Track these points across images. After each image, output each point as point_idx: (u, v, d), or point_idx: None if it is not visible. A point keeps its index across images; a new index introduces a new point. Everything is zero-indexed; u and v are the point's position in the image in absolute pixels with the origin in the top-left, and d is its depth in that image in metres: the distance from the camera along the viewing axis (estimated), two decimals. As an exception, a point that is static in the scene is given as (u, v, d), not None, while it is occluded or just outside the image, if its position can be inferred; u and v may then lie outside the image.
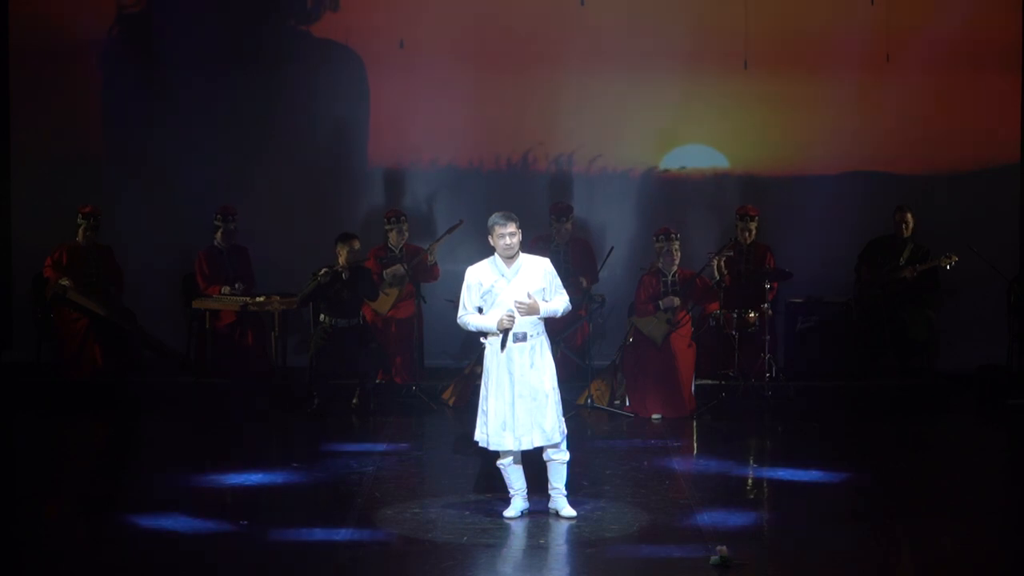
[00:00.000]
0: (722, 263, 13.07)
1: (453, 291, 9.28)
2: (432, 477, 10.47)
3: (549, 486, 8.98)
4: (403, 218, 13.50)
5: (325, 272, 12.34)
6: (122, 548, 8.43)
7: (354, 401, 12.50)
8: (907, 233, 13.66)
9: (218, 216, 13.65)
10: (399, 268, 13.20)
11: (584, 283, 13.10)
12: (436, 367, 13.65)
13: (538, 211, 13.68)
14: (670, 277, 12.62)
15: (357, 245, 12.57)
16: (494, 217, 8.88)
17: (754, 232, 13.63)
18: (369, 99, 14.47)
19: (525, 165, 14.46)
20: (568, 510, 8.93)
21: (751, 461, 11.00)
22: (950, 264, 13.26)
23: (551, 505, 8.98)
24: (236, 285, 13.36)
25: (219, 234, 13.62)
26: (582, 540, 8.52)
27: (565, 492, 8.97)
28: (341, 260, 12.43)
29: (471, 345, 11.95)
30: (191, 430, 12.17)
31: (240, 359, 13.41)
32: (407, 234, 13.46)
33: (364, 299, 12.73)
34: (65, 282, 13.40)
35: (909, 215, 13.65)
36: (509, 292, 8.81)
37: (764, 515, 9.31)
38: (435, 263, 13.24)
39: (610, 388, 12.67)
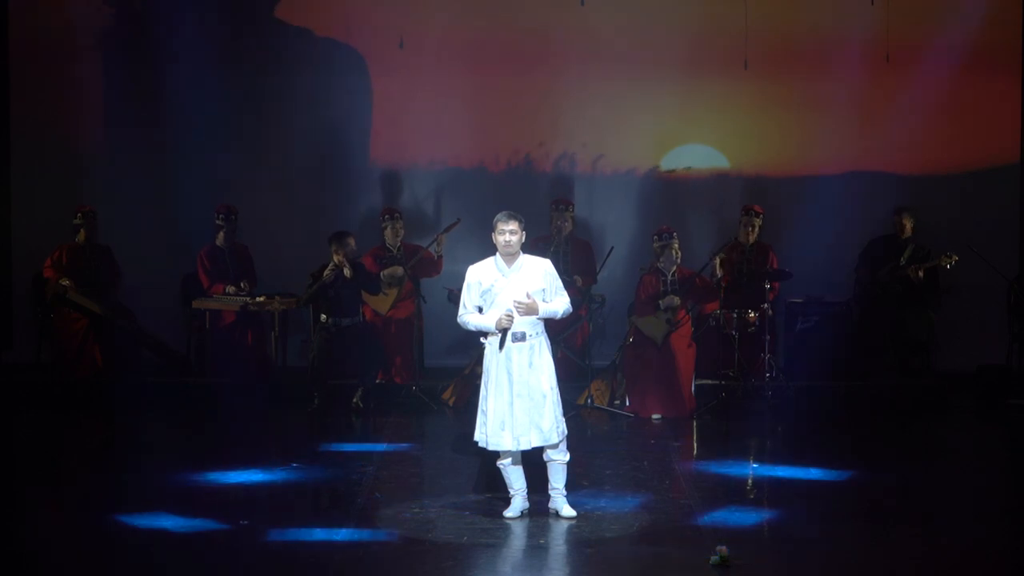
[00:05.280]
0: (718, 264, 13.09)
1: (453, 288, 9.30)
2: (432, 477, 10.47)
3: (549, 486, 8.98)
4: (397, 215, 13.52)
5: (330, 271, 12.34)
6: (122, 548, 8.42)
7: (355, 400, 12.52)
8: (905, 235, 13.65)
9: (219, 216, 13.65)
10: (397, 269, 13.20)
11: (579, 282, 13.05)
12: (436, 367, 13.65)
13: (538, 211, 13.69)
14: (670, 276, 12.63)
15: (352, 242, 12.60)
16: (499, 215, 8.89)
17: (757, 230, 13.63)
18: (369, 99, 14.47)
19: (525, 165, 14.46)
20: (568, 510, 8.93)
21: (751, 461, 11.00)
22: (950, 263, 13.26)
23: (551, 505, 8.98)
24: (242, 284, 13.36)
25: (221, 234, 13.62)
26: (582, 540, 8.52)
27: (565, 492, 8.97)
28: (337, 259, 12.44)
29: (471, 345, 11.95)
30: (191, 430, 12.17)
31: (240, 359, 13.41)
32: (402, 232, 13.47)
33: (366, 293, 12.76)
34: (65, 282, 13.40)
35: (906, 217, 13.63)
36: (508, 292, 8.82)
37: (764, 515, 9.30)
38: (440, 256, 13.27)
39: (610, 388, 12.67)
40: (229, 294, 13.32)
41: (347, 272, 12.39)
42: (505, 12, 14.38)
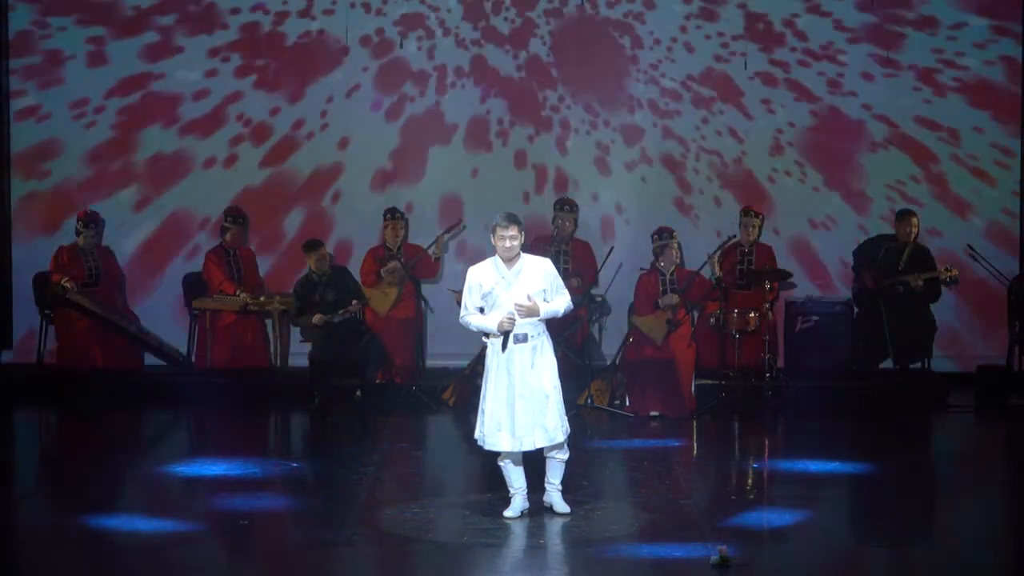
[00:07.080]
0: (716, 263, 13.09)
1: (458, 291, 9.29)
2: (432, 477, 10.48)
3: (545, 480, 8.97)
4: (399, 215, 13.54)
5: (335, 316, 12.49)
6: (121, 547, 8.43)
7: (358, 393, 12.53)
8: (905, 237, 13.57)
9: (227, 218, 13.67)
10: (396, 264, 13.19)
11: (575, 284, 12.96)
12: (436, 367, 13.65)
13: (539, 212, 13.69)
14: (669, 276, 12.63)
15: (325, 251, 12.76)
16: (497, 218, 8.86)
17: (757, 230, 13.61)
18: (369, 99, 14.44)
19: (525, 166, 14.44)
20: (562, 505, 8.92)
21: (751, 461, 11.00)
22: (949, 277, 13.24)
23: (545, 499, 8.97)
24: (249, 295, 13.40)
25: (228, 235, 13.63)
26: (582, 540, 8.51)
27: (560, 488, 8.96)
28: (312, 266, 12.55)
29: (472, 345, 11.95)
30: (191, 430, 12.17)
31: (240, 359, 13.41)
32: (403, 232, 13.48)
33: (367, 290, 12.84)
34: (68, 283, 13.30)
35: (914, 219, 13.56)
36: (509, 294, 8.80)
37: (764, 514, 9.30)
38: (438, 258, 13.28)
39: (610, 388, 12.67)
40: (236, 296, 13.31)
41: (360, 315, 12.73)
42: (505, 12, 14.37)
